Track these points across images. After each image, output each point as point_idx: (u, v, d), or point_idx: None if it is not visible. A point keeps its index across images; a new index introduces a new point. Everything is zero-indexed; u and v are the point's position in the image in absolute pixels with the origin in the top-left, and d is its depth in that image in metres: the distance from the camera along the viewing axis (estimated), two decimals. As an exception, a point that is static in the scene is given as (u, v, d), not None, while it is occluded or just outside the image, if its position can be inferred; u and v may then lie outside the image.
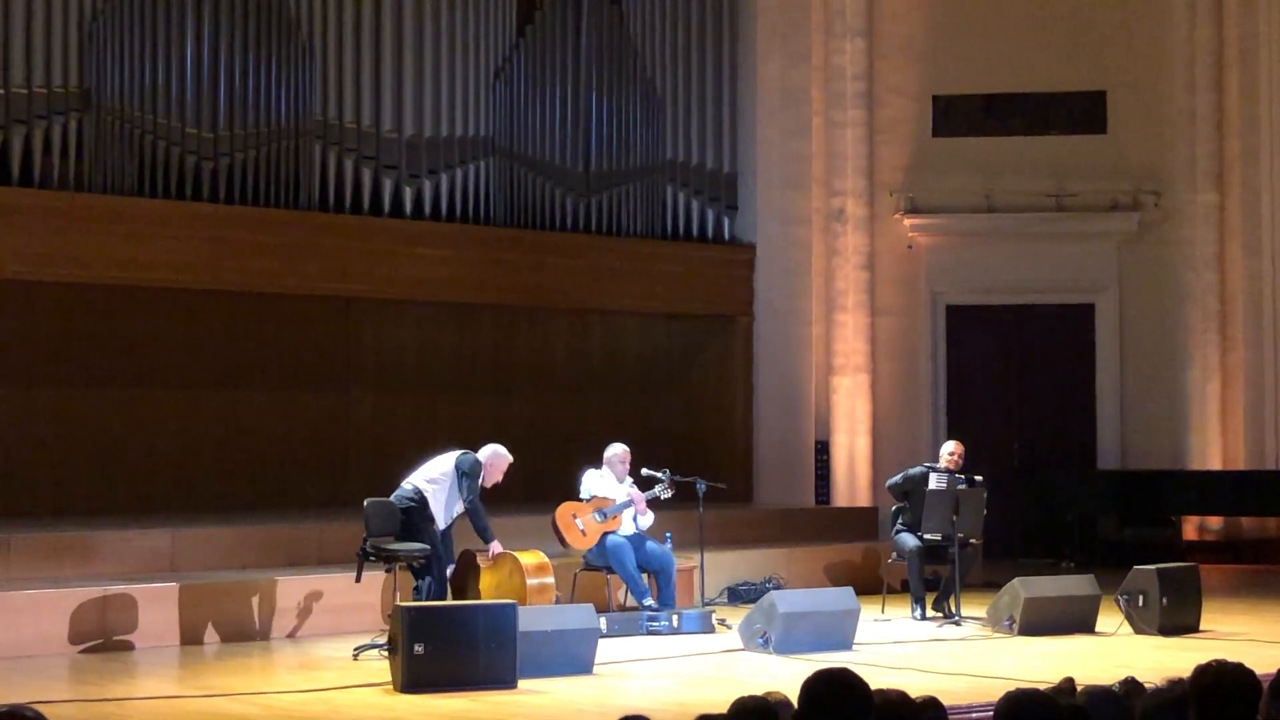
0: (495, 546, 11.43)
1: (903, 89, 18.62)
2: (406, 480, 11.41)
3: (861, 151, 18.44)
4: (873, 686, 4.34)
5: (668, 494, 12.39)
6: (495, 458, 11.57)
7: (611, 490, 12.34)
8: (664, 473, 12.48)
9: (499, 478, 11.64)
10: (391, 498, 11.30)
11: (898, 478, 13.39)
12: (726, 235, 18.30)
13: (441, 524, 11.29)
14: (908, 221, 18.54)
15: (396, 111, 16.05)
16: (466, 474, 11.29)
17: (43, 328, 14.70)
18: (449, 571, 11.40)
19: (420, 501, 11.23)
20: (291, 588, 11.96)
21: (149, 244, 14.51)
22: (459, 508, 11.35)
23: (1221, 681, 4.24)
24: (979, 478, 13.38)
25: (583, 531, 12.05)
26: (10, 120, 13.80)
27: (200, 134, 14.82)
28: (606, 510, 12.19)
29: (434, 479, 11.33)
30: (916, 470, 13.39)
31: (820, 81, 18.42)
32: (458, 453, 11.44)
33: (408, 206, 16.03)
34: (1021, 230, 18.50)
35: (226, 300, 15.47)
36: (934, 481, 13.10)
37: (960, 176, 18.50)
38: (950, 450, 13.39)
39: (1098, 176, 18.48)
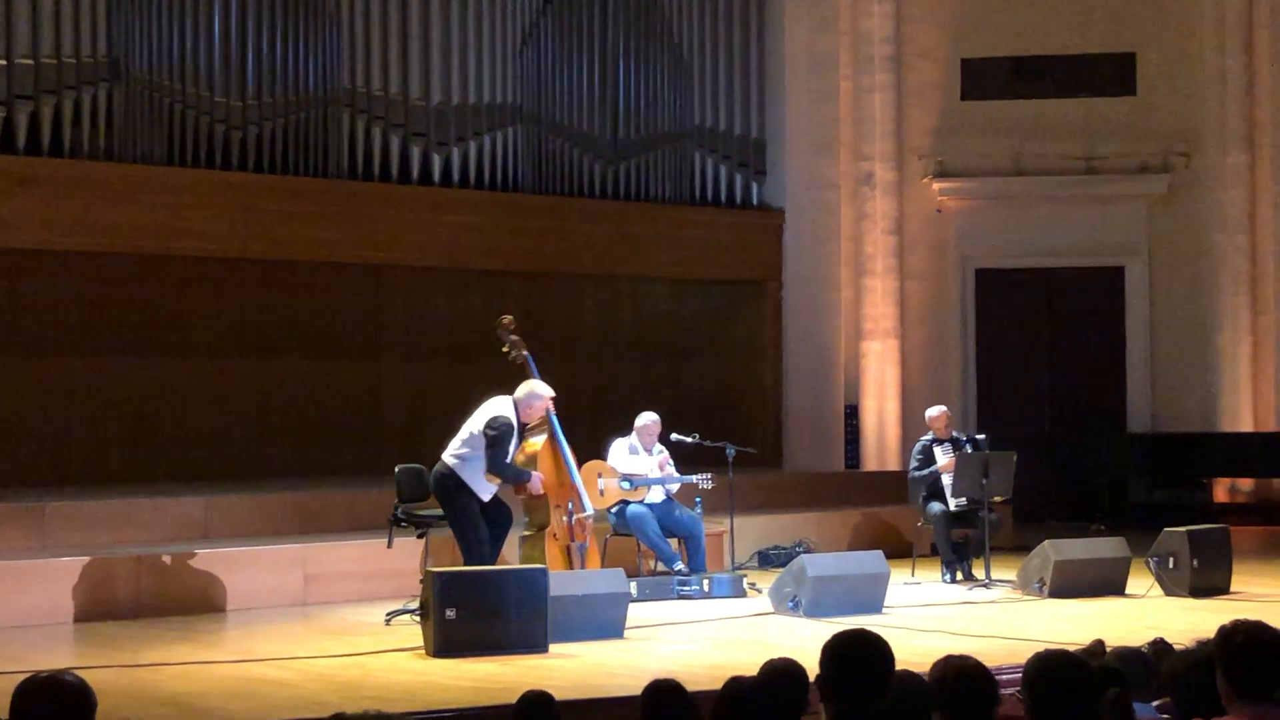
0: (535, 484, 10.90)
1: (931, 52, 18.55)
2: (445, 452, 10.82)
3: (890, 115, 18.38)
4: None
5: (708, 485, 12.35)
6: (531, 399, 10.92)
7: (639, 462, 12.35)
8: (693, 436, 12.51)
9: (538, 417, 11.04)
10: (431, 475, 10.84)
11: (923, 471, 13.01)
12: (755, 201, 18.29)
13: (484, 496, 10.69)
14: (936, 185, 18.49)
15: (424, 79, 16.07)
16: (492, 446, 10.64)
17: (74, 297, 14.75)
18: (504, 540, 10.87)
19: (450, 476, 10.69)
20: (324, 554, 12.03)
21: (179, 213, 14.56)
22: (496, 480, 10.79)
23: (1250, 641, 4.25)
24: (981, 436, 13.34)
25: (601, 492, 11.94)
26: (40, 90, 13.85)
27: (229, 103, 14.87)
28: (635, 480, 12.19)
29: (460, 451, 10.69)
30: (921, 451, 13.14)
31: (848, 46, 18.36)
32: (489, 415, 10.77)
33: (436, 174, 16.06)
34: (1051, 193, 18.45)
35: (257, 269, 15.52)
36: (940, 454, 13.03)
37: (989, 140, 18.44)
38: (933, 416, 13.22)
39: (1127, 139, 18.40)
